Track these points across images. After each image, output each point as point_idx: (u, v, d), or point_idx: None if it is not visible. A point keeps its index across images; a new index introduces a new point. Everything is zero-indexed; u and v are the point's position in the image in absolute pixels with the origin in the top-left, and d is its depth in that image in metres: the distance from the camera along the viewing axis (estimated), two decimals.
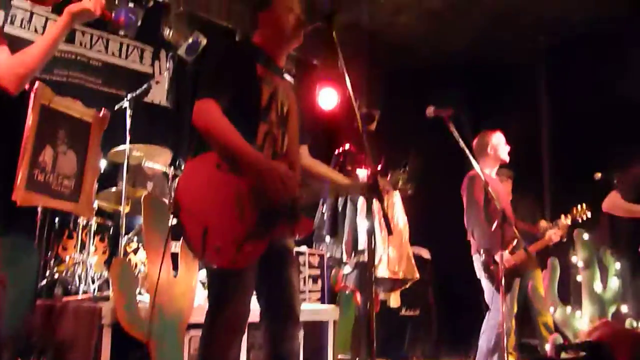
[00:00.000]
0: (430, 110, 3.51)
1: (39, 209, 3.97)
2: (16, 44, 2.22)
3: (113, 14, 2.33)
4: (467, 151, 3.27)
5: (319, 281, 5.37)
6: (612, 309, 2.81)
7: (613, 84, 5.98)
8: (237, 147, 2.26)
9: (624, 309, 3.09)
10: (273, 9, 2.56)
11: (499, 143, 4.65)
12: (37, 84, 3.61)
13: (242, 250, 2.21)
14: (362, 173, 4.83)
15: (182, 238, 3.78)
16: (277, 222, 2.32)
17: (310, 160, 2.74)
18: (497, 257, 4.34)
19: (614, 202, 4.78)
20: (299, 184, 2.40)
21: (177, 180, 2.29)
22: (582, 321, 2.84)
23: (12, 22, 5.15)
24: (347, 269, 5.11)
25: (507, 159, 4.65)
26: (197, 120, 2.28)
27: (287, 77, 2.68)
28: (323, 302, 5.23)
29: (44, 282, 4.16)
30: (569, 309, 2.90)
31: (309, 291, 5.21)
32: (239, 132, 2.27)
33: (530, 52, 6.79)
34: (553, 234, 4.74)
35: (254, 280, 2.39)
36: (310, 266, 5.32)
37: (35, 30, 5.24)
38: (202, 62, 5.86)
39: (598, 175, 5.06)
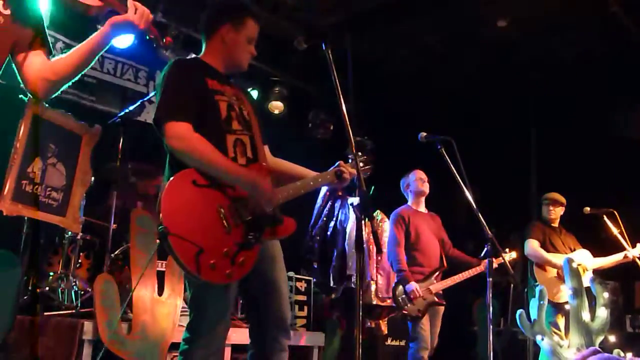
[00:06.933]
0: (422, 136, 3.57)
1: (25, 221, 3.92)
2: None
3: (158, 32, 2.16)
4: (457, 176, 3.29)
5: (306, 308, 5.31)
6: (600, 339, 2.79)
7: (600, 118, 6.10)
8: (221, 166, 2.29)
9: (612, 338, 3.08)
10: (241, 31, 2.55)
11: (413, 179, 4.95)
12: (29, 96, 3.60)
13: (236, 262, 2.23)
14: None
15: (169, 258, 3.77)
16: (262, 229, 2.34)
17: (274, 159, 2.72)
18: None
19: (534, 250, 5.16)
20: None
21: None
22: (570, 351, 2.83)
23: None
24: (334, 295, 5.06)
25: (422, 191, 4.92)
26: (174, 144, 2.27)
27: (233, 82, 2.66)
28: (309, 329, 5.17)
29: (26, 297, 4.08)
30: (556, 337, 2.89)
31: (296, 317, 5.14)
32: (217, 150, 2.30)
33: (521, 87, 6.89)
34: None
35: (234, 294, 2.40)
36: (297, 292, 5.27)
37: None
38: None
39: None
